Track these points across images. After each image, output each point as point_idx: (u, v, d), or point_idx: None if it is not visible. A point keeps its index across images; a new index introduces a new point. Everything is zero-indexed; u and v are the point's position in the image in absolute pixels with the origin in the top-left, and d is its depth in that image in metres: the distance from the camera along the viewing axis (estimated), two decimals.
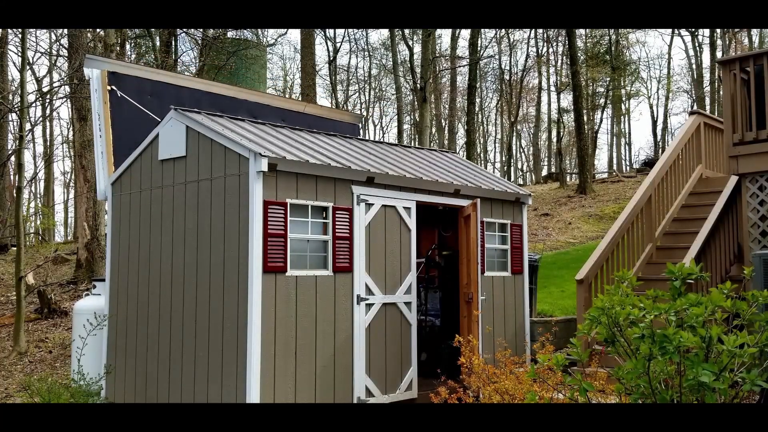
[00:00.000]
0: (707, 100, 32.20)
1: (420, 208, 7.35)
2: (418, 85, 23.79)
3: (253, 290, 5.58)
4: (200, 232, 6.13)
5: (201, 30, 19.89)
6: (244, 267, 5.66)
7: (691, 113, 10.30)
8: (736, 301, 3.73)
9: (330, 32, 30.89)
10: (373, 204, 6.60)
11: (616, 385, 3.81)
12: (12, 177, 21.88)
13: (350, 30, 31.80)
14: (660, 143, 37.11)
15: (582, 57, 29.31)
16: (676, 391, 3.53)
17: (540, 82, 35.25)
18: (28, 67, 18.90)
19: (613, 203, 20.35)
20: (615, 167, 40.29)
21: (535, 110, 36.31)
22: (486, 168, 39.47)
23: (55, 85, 22.24)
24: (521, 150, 45.36)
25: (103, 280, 7.34)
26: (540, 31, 32.31)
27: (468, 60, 25.89)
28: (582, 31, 31.06)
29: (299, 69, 27.54)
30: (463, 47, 31.27)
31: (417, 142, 24.23)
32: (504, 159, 39.84)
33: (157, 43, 20.25)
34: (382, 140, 8.87)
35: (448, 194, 7.40)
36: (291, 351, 5.82)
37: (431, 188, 7.19)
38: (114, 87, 7.64)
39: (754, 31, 31.09)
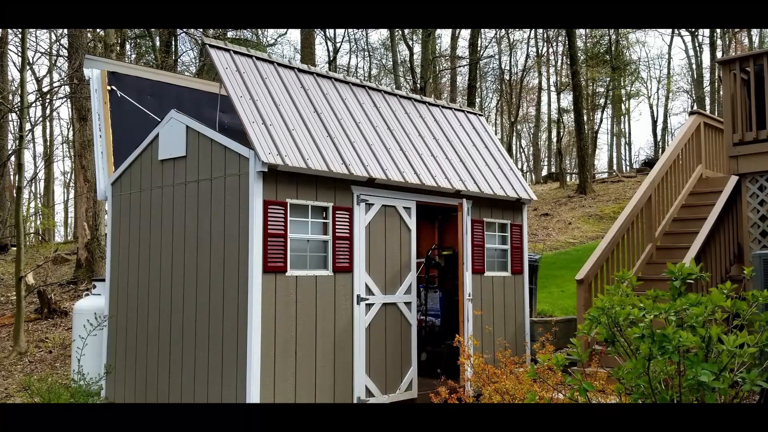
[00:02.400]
0: (707, 100, 32.20)
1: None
2: (418, 85, 23.79)
3: (253, 290, 5.58)
4: (200, 232, 6.13)
5: (201, 30, 19.89)
6: (244, 267, 5.66)
7: (691, 113, 10.30)
8: (736, 301, 3.73)
9: (330, 32, 30.87)
10: (373, 204, 6.59)
11: (616, 385, 3.81)
12: (12, 177, 21.88)
13: (350, 30, 31.79)
14: (660, 143, 37.11)
15: (582, 57, 29.29)
16: (676, 391, 3.53)
17: (540, 82, 35.27)
18: (28, 67, 18.90)
19: (613, 203, 20.35)
20: (615, 167, 40.30)
21: (535, 110, 36.31)
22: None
23: (55, 85, 22.24)
24: (521, 150, 45.35)
25: (103, 280, 7.34)
26: (540, 31, 32.31)
27: (468, 60, 25.89)
28: (582, 31, 31.07)
29: None
30: (463, 47, 31.27)
31: None
32: None
33: (157, 43, 20.26)
34: (407, 95, 8.31)
35: (449, 195, 7.39)
36: (291, 351, 5.82)
37: (432, 190, 7.17)
38: (114, 87, 7.63)
39: (754, 31, 31.09)
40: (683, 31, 34.20)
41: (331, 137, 6.53)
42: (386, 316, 6.67)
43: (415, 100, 8.38)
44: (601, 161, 43.91)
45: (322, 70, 7.38)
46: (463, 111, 9.10)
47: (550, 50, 34.23)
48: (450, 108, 8.89)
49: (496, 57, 34.56)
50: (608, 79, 32.30)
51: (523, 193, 8.33)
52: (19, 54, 15.59)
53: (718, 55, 30.32)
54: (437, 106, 8.70)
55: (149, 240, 6.68)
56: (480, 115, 9.36)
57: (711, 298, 3.63)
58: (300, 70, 7.12)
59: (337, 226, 6.26)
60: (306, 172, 5.98)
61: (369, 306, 6.49)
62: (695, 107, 33.45)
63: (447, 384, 5.88)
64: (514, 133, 40.05)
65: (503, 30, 32.53)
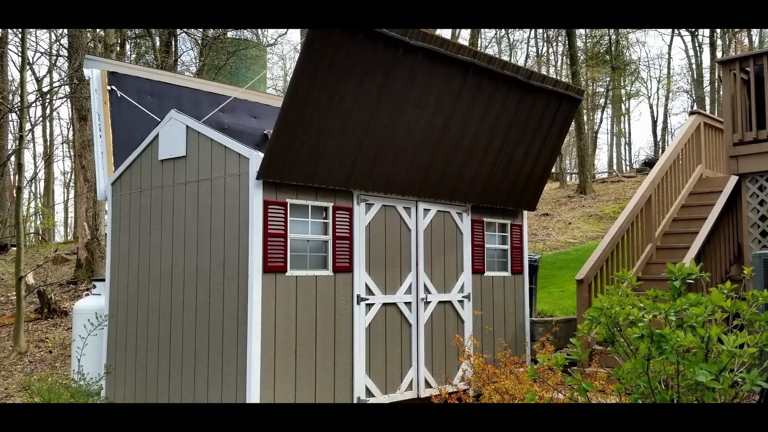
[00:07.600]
0: (707, 100, 32.20)
1: None
2: None
3: (253, 290, 5.58)
4: (200, 232, 6.13)
5: (201, 30, 19.90)
6: (244, 267, 5.66)
7: (691, 113, 10.31)
8: (736, 301, 3.73)
9: None
10: (373, 204, 6.59)
11: (616, 385, 3.82)
12: (12, 177, 21.88)
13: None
14: (660, 143, 37.11)
15: (582, 57, 29.30)
16: (675, 391, 3.53)
17: None
18: (28, 67, 18.91)
19: (613, 203, 20.35)
20: (615, 167, 40.28)
21: None
22: None
23: (55, 85, 22.24)
24: None
25: (103, 280, 7.34)
26: (540, 31, 32.32)
27: None
28: (582, 31, 31.07)
29: None
30: None
31: None
32: None
33: (157, 43, 20.26)
34: (501, 71, 6.73)
35: (447, 197, 7.37)
36: (291, 351, 5.82)
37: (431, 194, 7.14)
38: (114, 87, 7.64)
39: (754, 31, 31.10)
40: (683, 31, 34.21)
41: (361, 146, 6.10)
42: (386, 316, 6.67)
43: (505, 77, 6.89)
44: (601, 161, 43.92)
45: (417, 41, 6.01)
46: (558, 95, 7.44)
47: (550, 50, 34.25)
48: (545, 89, 7.27)
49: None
50: (608, 79, 32.33)
51: (527, 205, 8.24)
52: (19, 54, 15.59)
53: (718, 55, 30.31)
54: (528, 88, 7.13)
55: (149, 240, 6.68)
56: (579, 100, 7.76)
57: (711, 298, 3.63)
58: (390, 40, 5.88)
59: (337, 226, 6.26)
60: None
61: (369, 306, 6.49)
62: (695, 107, 33.45)
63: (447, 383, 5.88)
64: None
65: (503, 30, 32.53)
